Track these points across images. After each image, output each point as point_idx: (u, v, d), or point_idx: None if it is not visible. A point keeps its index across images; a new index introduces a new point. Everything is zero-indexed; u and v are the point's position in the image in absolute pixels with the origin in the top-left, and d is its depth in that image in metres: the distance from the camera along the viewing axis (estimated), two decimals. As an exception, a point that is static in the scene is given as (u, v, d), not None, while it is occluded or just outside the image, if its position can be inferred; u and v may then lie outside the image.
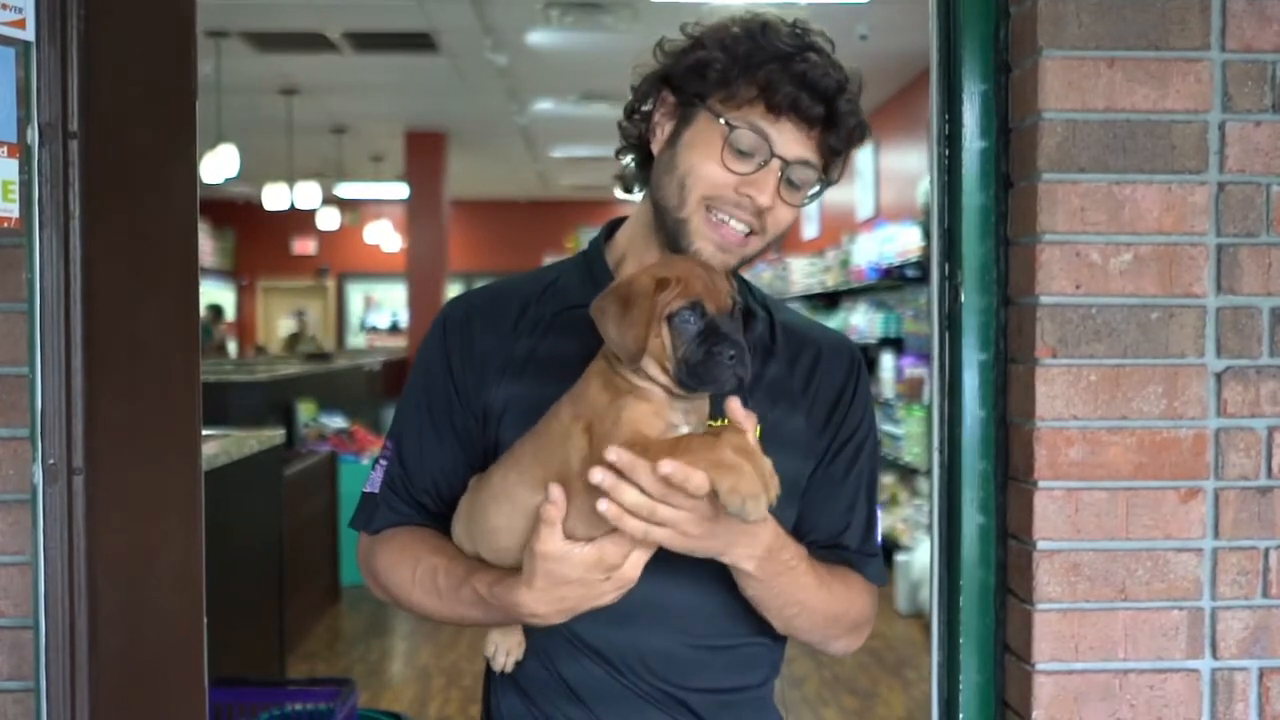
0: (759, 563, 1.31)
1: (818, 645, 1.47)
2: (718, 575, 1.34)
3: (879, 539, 1.50)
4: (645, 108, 1.43)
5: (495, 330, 1.44)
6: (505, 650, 1.42)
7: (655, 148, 1.41)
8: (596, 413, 1.24)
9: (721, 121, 1.34)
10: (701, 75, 1.35)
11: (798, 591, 1.36)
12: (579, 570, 1.23)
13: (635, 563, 1.25)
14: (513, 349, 1.43)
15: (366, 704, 4.34)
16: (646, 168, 1.44)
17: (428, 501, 1.45)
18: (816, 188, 1.39)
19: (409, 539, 1.43)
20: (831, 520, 1.46)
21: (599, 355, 1.29)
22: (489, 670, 1.48)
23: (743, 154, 1.33)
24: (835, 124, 1.34)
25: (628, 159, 1.47)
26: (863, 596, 1.47)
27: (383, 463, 1.48)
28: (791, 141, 1.34)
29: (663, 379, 1.23)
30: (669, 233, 1.38)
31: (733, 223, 1.35)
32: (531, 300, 1.47)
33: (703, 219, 1.35)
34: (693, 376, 1.21)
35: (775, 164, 1.34)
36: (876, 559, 1.50)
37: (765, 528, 1.30)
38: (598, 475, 1.18)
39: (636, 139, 1.44)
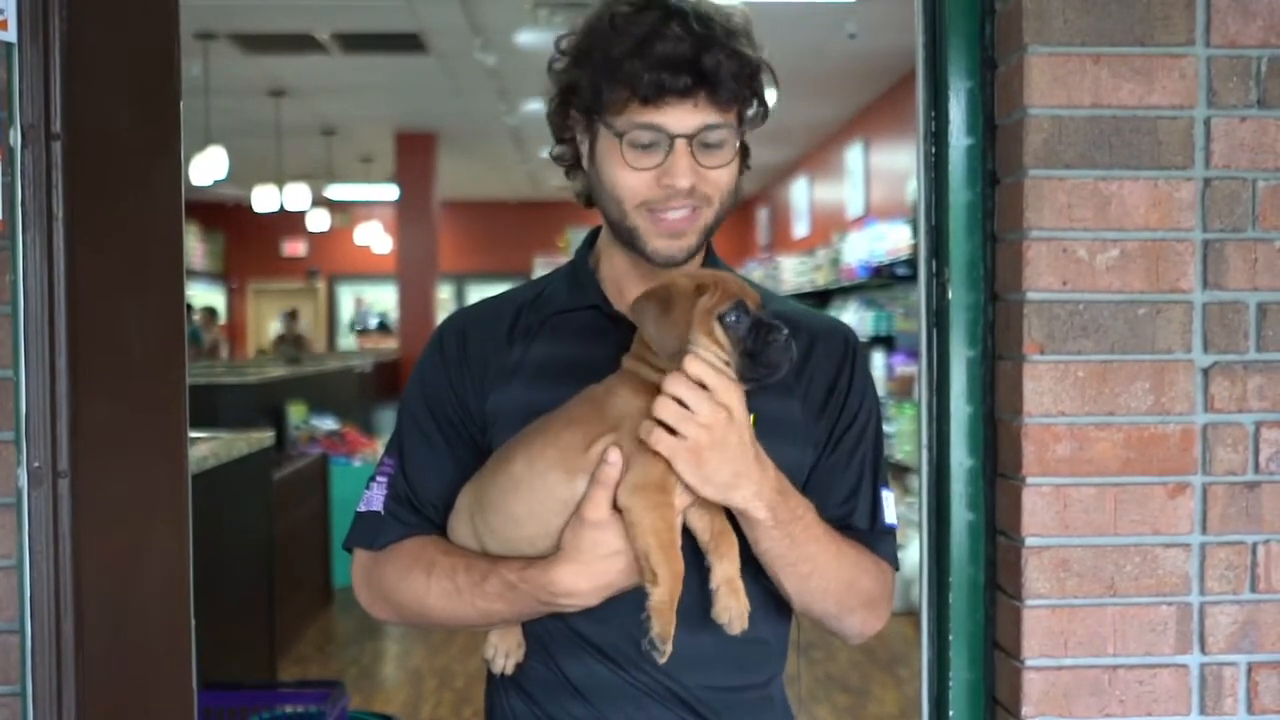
0: (770, 506, 1.30)
1: (834, 622, 1.44)
2: None
3: (891, 519, 1.47)
4: (566, 135, 1.44)
5: (491, 339, 1.46)
6: (504, 652, 1.42)
7: (585, 164, 1.43)
8: (633, 418, 1.27)
9: (612, 133, 1.35)
10: (578, 96, 1.37)
11: (810, 544, 1.35)
12: (623, 539, 1.26)
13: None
14: (507, 356, 1.44)
15: (359, 706, 4.34)
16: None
17: (432, 514, 1.45)
18: (735, 136, 1.38)
19: (419, 546, 1.43)
20: (838, 505, 1.45)
21: (630, 357, 1.32)
22: (490, 673, 1.48)
23: (645, 150, 1.35)
24: (713, 83, 1.33)
25: (576, 176, 1.48)
26: (875, 569, 1.45)
27: (380, 480, 1.47)
28: (681, 117, 1.34)
29: (729, 373, 1.28)
30: (624, 242, 1.41)
31: (671, 213, 1.37)
32: (524, 308, 1.48)
33: (646, 220, 1.37)
34: (758, 365, 1.26)
35: (680, 144, 1.34)
36: (889, 538, 1.48)
37: (768, 465, 1.31)
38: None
39: (573, 158, 1.46)
